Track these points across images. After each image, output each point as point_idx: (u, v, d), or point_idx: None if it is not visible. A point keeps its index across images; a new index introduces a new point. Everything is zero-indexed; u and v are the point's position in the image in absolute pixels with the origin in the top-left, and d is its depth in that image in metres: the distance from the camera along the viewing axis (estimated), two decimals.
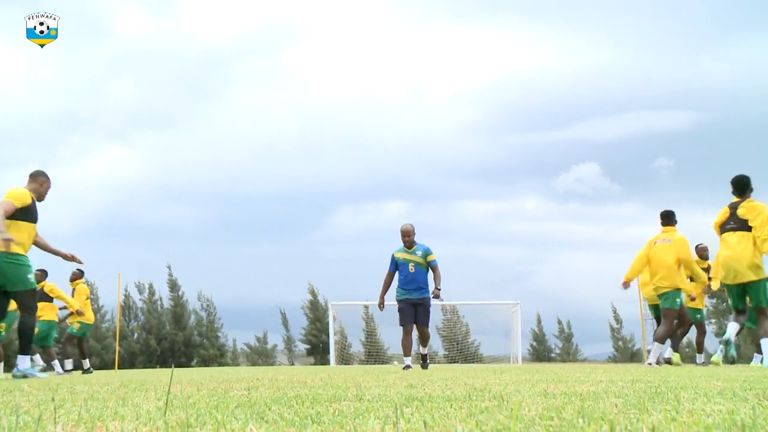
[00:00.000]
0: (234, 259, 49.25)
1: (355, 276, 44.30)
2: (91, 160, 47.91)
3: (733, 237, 8.06)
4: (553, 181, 51.85)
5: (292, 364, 35.60)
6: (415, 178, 50.37)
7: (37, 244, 7.49)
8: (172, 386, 4.11)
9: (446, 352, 32.48)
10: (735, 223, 8.07)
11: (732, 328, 8.58)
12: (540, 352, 37.56)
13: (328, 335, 27.72)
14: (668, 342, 10.50)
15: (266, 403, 2.44)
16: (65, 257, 7.80)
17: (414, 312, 9.88)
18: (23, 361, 7.27)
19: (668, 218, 9.50)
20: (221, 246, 50.72)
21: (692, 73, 49.63)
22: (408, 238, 9.98)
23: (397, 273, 10.10)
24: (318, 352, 36.27)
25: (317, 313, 37.13)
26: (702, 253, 11.62)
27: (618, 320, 37.42)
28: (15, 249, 7.05)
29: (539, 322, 38.38)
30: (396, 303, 10.06)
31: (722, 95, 49.86)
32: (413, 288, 9.94)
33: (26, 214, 7.16)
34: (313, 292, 37.96)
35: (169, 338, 34.40)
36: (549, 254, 50.78)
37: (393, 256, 10.14)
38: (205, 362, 33.67)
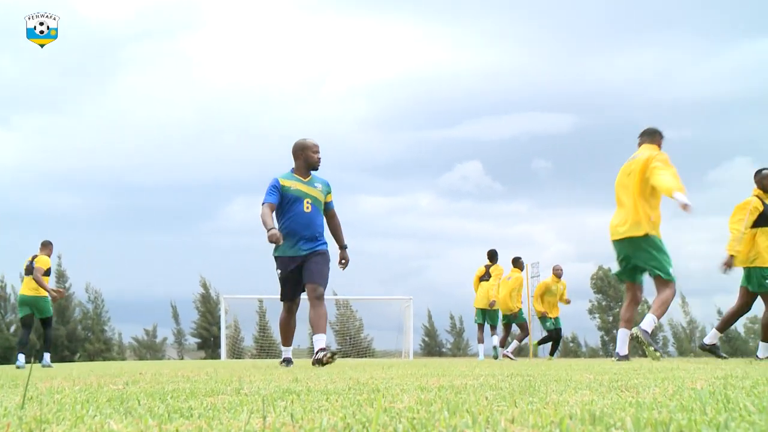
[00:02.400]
0: (124, 249, 47.74)
1: (249, 269, 43.74)
2: None
3: (486, 284, 13.56)
4: (441, 178, 52.97)
5: (182, 358, 34.80)
6: None
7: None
8: (43, 382, 3.93)
9: (339, 347, 32.59)
10: (487, 277, 13.58)
11: (496, 340, 13.87)
12: (432, 347, 38.29)
13: (219, 329, 27.25)
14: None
15: (139, 398, 2.37)
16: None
17: (300, 277, 6.65)
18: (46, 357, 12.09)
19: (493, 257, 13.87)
20: (110, 236, 49.07)
21: (578, 77, 51.85)
22: (318, 156, 6.73)
23: (279, 213, 6.64)
24: (209, 346, 35.66)
25: (209, 306, 36.50)
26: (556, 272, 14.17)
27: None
28: (44, 293, 11.82)
29: (431, 317, 39.16)
30: (275, 263, 6.74)
31: (605, 100, 52.38)
32: (308, 237, 6.64)
33: (49, 273, 11.94)
34: (205, 285, 37.27)
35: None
36: (441, 250, 51.91)
37: (278, 183, 6.59)
38: (90, 356, 32.44)
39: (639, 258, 7.30)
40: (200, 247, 48.98)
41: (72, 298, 34.57)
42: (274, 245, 6.58)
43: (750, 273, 8.15)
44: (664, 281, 7.28)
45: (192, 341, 37.97)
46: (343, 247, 7.06)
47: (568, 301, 14.20)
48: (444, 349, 38.90)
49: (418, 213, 51.93)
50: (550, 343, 14.40)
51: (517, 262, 14.00)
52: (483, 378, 3.65)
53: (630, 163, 7.30)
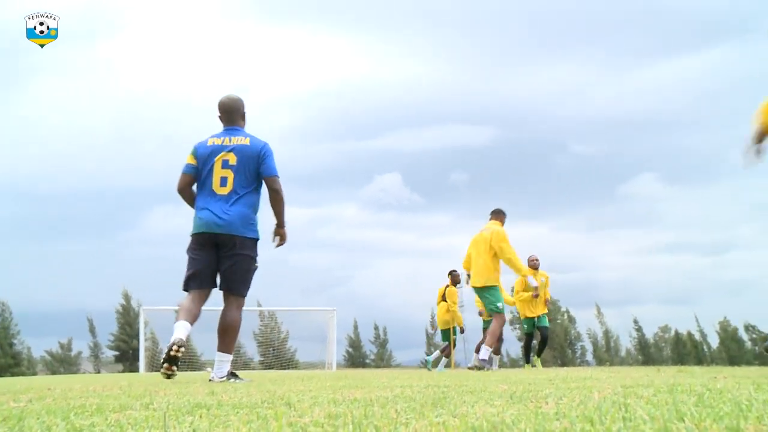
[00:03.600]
0: (36, 260, 45.95)
1: (170, 280, 42.66)
2: None
3: (442, 305, 13.59)
4: (362, 189, 53.24)
5: (98, 372, 33.71)
6: None
7: None
8: None
9: (262, 358, 32.20)
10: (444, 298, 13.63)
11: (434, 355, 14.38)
12: (355, 358, 38.25)
13: (138, 341, 26.51)
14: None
15: (39, 416, 2.28)
16: None
17: None
18: None
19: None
20: (21, 246, 47.18)
21: (498, 90, 53.07)
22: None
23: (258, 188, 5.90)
24: (127, 358, 34.71)
25: (128, 318, 35.53)
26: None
27: (434, 326, 39.00)
28: None
29: (356, 328, 39.15)
30: (254, 251, 5.79)
31: (523, 114, 53.83)
32: None
33: None
34: (126, 296, 36.28)
35: None
36: (365, 261, 52.05)
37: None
38: None
39: (485, 300, 9.97)
40: (120, 257, 47.65)
41: None
42: (256, 228, 5.82)
43: None
44: (498, 315, 9.93)
45: (109, 354, 36.86)
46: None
47: (545, 301, 12.96)
48: (368, 360, 38.89)
49: (342, 224, 52.01)
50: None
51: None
52: (399, 390, 3.66)
53: (482, 233, 9.99)
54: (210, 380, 5.65)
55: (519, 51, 56.32)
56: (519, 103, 53.60)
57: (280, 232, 6.01)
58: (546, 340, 13.21)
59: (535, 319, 12.89)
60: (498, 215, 10.24)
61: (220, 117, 6.04)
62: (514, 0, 54.87)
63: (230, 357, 5.85)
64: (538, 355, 13.22)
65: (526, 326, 13.12)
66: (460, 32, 55.81)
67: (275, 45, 53.70)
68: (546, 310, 13.01)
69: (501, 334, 13.32)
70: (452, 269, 13.68)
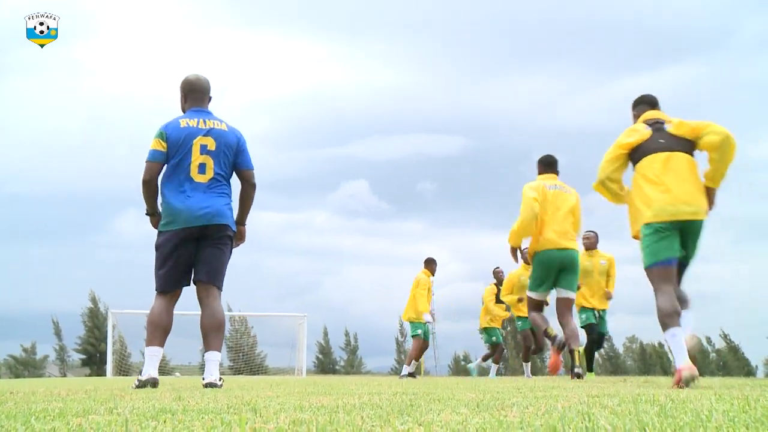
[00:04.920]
0: (1, 262, 45.10)
1: (140, 283, 42.28)
2: None
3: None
4: (330, 196, 53.23)
5: (65, 376, 33.23)
6: None
7: None
8: None
9: (232, 363, 31.96)
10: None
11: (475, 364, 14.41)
12: (325, 364, 38.12)
13: (106, 345, 26.18)
14: None
15: None
16: None
17: None
18: None
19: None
20: None
21: (470, 101, 53.43)
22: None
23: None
24: (95, 362, 34.27)
25: (96, 321, 35.11)
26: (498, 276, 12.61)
27: (403, 334, 39.04)
28: None
29: (326, 334, 39.02)
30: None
31: (495, 124, 54.26)
32: None
33: None
34: (94, 299, 35.85)
35: None
36: (337, 267, 52.00)
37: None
38: None
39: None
40: (89, 260, 47.07)
41: None
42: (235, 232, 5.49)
43: None
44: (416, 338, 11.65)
45: (76, 357, 36.36)
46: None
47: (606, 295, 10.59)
48: (338, 367, 38.78)
49: (314, 230, 51.94)
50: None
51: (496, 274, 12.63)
52: (367, 397, 3.66)
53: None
54: (205, 386, 5.07)
55: (489, 62, 56.92)
56: (487, 113, 54.17)
57: (241, 230, 5.58)
58: (601, 343, 10.95)
59: (596, 312, 10.49)
60: (428, 264, 11.69)
61: (185, 97, 5.50)
62: (485, 12, 55.45)
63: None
64: (589, 368, 10.68)
65: (584, 316, 10.40)
66: (431, 42, 56.26)
67: (252, 51, 53.62)
68: (607, 306, 10.61)
69: (502, 345, 13.33)
70: (496, 267, 12.62)
